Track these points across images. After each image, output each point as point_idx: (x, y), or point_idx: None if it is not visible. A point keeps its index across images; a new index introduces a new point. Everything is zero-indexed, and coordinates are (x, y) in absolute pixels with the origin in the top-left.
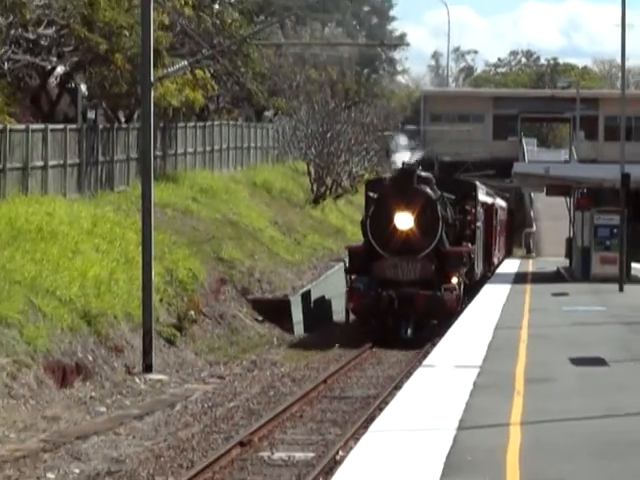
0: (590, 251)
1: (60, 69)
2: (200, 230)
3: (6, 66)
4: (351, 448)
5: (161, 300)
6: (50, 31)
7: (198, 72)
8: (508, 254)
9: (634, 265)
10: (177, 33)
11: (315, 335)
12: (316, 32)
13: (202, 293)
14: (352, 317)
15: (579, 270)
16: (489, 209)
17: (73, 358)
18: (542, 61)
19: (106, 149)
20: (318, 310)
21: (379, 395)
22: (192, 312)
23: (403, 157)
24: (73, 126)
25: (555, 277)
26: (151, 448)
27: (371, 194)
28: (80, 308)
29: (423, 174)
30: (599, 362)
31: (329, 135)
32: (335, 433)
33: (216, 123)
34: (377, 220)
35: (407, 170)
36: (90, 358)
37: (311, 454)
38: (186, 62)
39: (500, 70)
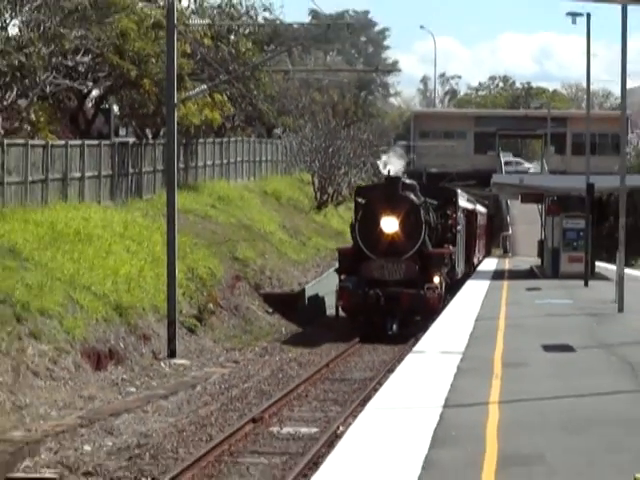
0: (559, 251)
1: (95, 92)
2: (218, 233)
3: (48, 89)
4: (350, 424)
5: (184, 294)
6: (86, 59)
7: (216, 95)
8: (488, 254)
9: (598, 263)
10: (197, 60)
11: (315, 327)
12: (319, 59)
13: (219, 288)
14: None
15: (550, 268)
16: (470, 214)
17: (106, 345)
18: (517, 85)
19: (135, 162)
20: (313, 306)
21: (374, 377)
22: (211, 305)
23: (393, 167)
24: (107, 142)
25: (529, 274)
26: (175, 424)
27: (359, 200)
28: (113, 301)
29: (408, 181)
30: (567, 349)
31: (331, 150)
32: (336, 411)
33: (232, 139)
34: (365, 224)
35: (393, 178)
36: (121, 345)
37: (315, 429)
38: (205, 86)
39: (480, 93)
